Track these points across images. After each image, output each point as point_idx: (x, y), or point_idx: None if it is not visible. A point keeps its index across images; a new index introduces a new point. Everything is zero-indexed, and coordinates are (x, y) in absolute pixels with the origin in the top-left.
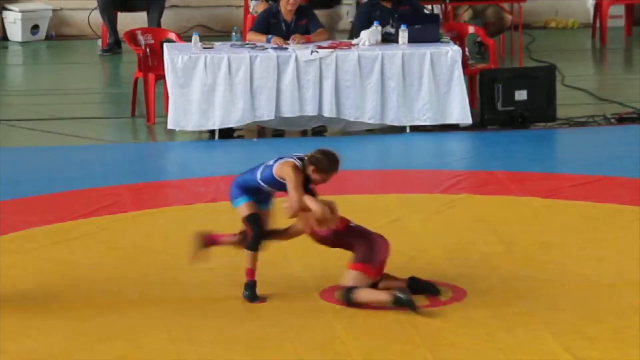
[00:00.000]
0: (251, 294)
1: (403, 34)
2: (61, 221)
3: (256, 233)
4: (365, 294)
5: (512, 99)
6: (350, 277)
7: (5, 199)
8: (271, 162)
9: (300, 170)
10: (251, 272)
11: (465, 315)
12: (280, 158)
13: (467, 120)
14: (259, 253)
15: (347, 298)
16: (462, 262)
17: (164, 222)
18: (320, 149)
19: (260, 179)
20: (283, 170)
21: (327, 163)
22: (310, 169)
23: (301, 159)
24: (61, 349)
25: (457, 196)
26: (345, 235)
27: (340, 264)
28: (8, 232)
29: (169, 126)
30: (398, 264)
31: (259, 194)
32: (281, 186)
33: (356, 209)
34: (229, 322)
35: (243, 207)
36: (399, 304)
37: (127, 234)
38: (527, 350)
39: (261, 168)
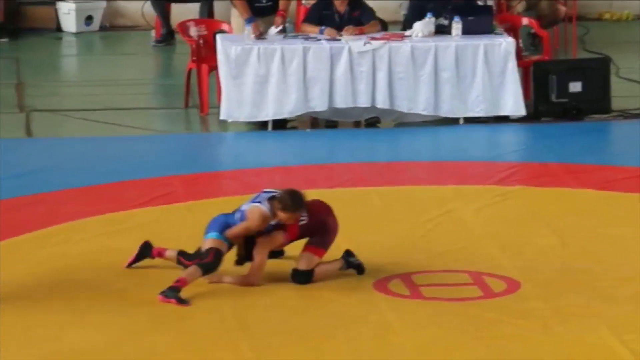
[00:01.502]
0: (175, 295)
1: (456, 26)
2: (114, 211)
3: (213, 264)
4: (321, 270)
5: (566, 91)
6: (304, 259)
7: (58, 189)
8: (245, 207)
9: (267, 219)
10: (185, 283)
11: (520, 307)
12: (255, 200)
13: (521, 112)
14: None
15: (307, 280)
16: (516, 254)
17: (217, 212)
18: (287, 189)
19: (237, 221)
20: (253, 213)
21: (294, 200)
22: (277, 209)
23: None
24: (113, 339)
25: (511, 188)
26: (300, 236)
27: (393, 256)
28: (61, 222)
29: (222, 117)
30: (451, 255)
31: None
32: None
33: (410, 200)
34: (283, 313)
35: (212, 241)
36: (349, 266)
37: (181, 224)
38: (582, 343)
39: (237, 212)
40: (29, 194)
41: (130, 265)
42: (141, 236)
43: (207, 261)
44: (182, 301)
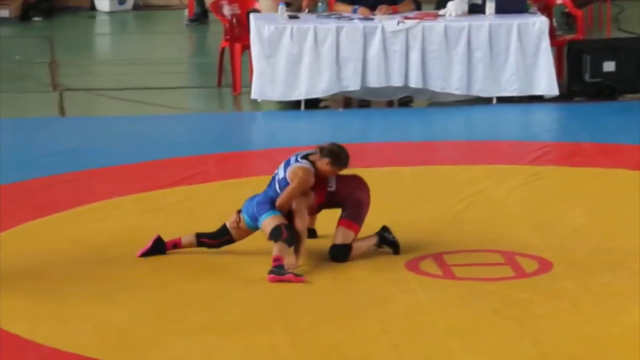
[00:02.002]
0: (287, 271)
1: (490, 5)
2: (147, 190)
3: (292, 236)
4: (357, 247)
5: (600, 70)
6: (340, 234)
7: (91, 168)
8: (282, 174)
9: (311, 174)
10: (282, 259)
11: (552, 287)
12: (288, 164)
13: (554, 91)
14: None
15: (345, 255)
16: (549, 233)
17: (249, 191)
18: (335, 143)
19: (280, 190)
20: (296, 173)
21: (344, 157)
22: (324, 162)
23: (306, 157)
24: (145, 316)
25: (544, 168)
26: (326, 204)
27: (425, 236)
28: (96, 200)
29: (253, 96)
30: (484, 235)
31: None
32: None
33: (443, 179)
34: (314, 292)
35: (272, 219)
36: (384, 243)
37: (213, 203)
38: (614, 322)
39: (275, 183)
40: (62, 172)
41: (142, 255)
42: (174, 215)
43: (287, 236)
44: (297, 275)
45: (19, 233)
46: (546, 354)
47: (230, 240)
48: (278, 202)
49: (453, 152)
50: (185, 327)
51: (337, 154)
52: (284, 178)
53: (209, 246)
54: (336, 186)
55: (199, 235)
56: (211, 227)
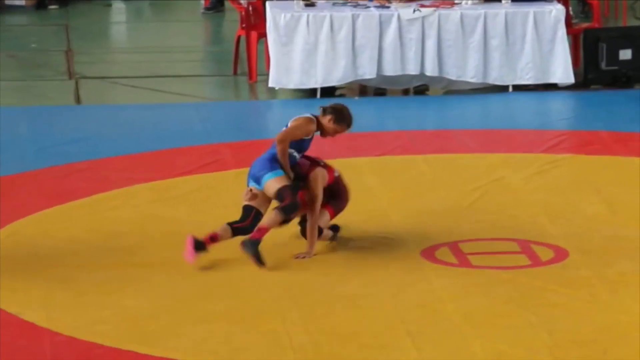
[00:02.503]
0: (255, 250)
1: None
2: (163, 178)
3: (294, 203)
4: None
5: (616, 59)
6: (324, 217)
7: (107, 156)
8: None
9: (313, 123)
10: (265, 231)
11: (568, 275)
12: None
13: (570, 79)
14: (283, 224)
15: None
16: (565, 222)
17: None
18: (339, 103)
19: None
20: (297, 119)
21: (347, 115)
22: (326, 118)
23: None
24: (162, 304)
25: (560, 156)
26: (333, 187)
27: (441, 224)
28: (111, 188)
29: (270, 84)
30: (499, 223)
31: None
32: (300, 143)
33: (459, 167)
34: (330, 280)
35: (278, 179)
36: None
37: (229, 191)
38: (629, 311)
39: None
40: (78, 160)
41: (191, 259)
42: (190, 203)
43: (287, 203)
44: (259, 260)
45: (35, 221)
46: (561, 342)
47: (259, 213)
48: (278, 136)
49: (469, 141)
50: (202, 315)
51: (340, 111)
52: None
53: (244, 230)
54: (337, 178)
55: (230, 224)
56: (226, 215)
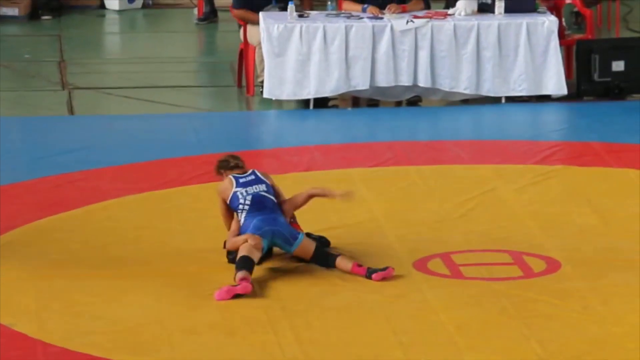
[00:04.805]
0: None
1: (499, 4)
2: (156, 189)
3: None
4: None
5: (609, 70)
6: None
7: (100, 166)
8: (264, 187)
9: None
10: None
11: (560, 287)
12: (253, 174)
13: (563, 91)
14: None
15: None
16: (557, 233)
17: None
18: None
19: (275, 197)
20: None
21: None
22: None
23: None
24: (155, 315)
25: (553, 167)
26: None
27: (433, 235)
28: (104, 199)
29: (265, 95)
30: (492, 235)
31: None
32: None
33: (451, 178)
34: (322, 291)
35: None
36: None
37: None
38: (622, 322)
39: (270, 198)
40: (71, 171)
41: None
42: (182, 214)
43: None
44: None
45: (28, 232)
46: (553, 354)
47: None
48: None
49: (461, 152)
50: (194, 326)
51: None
52: (269, 185)
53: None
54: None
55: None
56: (219, 226)
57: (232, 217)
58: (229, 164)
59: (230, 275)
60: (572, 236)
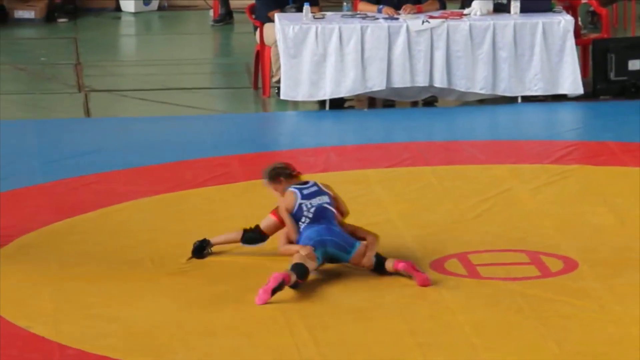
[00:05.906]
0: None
1: (515, 4)
2: (171, 191)
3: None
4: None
5: (625, 69)
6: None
7: (116, 169)
8: (326, 198)
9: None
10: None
11: (577, 286)
12: (315, 185)
13: (579, 90)
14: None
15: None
16: (574, 233)
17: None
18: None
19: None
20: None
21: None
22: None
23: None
24: (171, 317)
25: (569, 167)
26: None
27: (450, 236)
28: (120, 201)
29: (282, 97)
30: (508, 235)
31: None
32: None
33: (467, 179)
34: (338, 292)
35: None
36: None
37: (237, 204)
38: (638, 322)
39: (330, 209)
40: (87, 173)
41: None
42: (198, 216)
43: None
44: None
45: (44, 235)
46: (570, 354)
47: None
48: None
49: (477, 152)
50: (210, 328)
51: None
52: (331, 197)
53: (297, 285)
54: None
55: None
56: (234, 228)
57: (296, 227)
58: (291, 173)
59: (244, 278)
60: (589, 236)
